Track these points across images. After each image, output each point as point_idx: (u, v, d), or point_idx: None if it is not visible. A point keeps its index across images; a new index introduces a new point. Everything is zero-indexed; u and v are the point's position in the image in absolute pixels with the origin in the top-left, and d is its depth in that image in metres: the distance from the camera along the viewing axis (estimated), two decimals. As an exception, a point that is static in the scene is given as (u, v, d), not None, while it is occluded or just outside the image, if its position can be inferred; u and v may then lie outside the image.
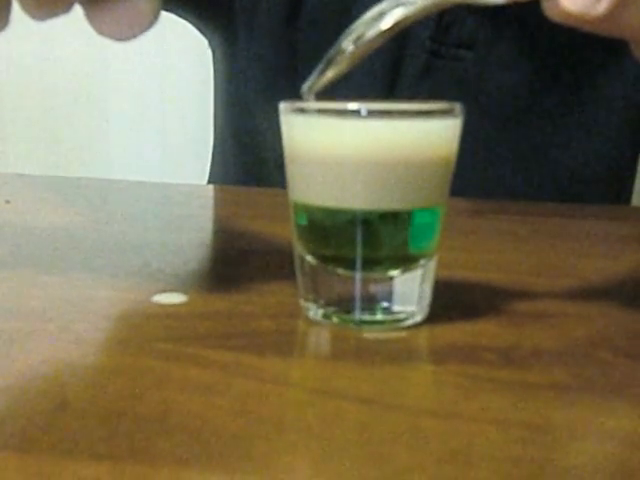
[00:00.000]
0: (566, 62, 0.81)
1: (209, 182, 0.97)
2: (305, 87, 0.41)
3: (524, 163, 0.82)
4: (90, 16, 0.36)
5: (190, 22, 0.92)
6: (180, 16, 0.90)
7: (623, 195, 0.89)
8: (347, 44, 0.39)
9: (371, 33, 0.39)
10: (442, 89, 0.80)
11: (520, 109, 0.81)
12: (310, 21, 0.81)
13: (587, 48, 0.80)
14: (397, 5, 0.39)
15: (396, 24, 0.39)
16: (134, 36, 0.36)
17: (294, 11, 0.82)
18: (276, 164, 0.83)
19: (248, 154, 0.90)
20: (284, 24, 0.82)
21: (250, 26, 0.84)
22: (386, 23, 0.39)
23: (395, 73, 0.81)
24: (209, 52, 0.95)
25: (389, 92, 0.80)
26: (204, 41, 0.95)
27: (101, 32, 0.36)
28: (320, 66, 0.40)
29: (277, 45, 0.83)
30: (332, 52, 0.40)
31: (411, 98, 0.78)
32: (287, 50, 0.82)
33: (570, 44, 0.80)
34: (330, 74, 0.40)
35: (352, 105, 0.38)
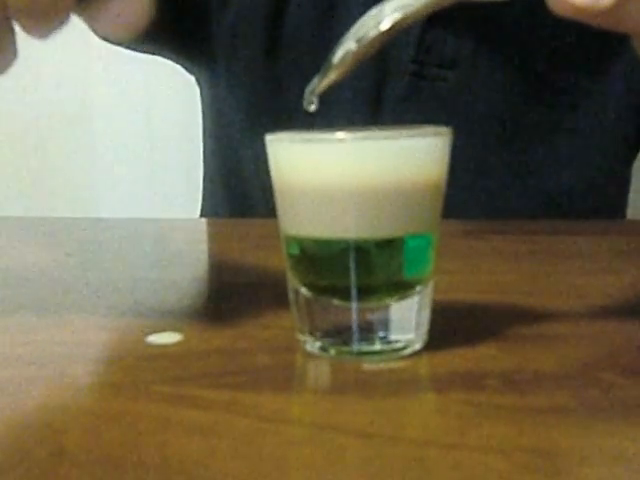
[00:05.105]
0: (550, 78, 0.81)
1: (201, 215, 0.97)
2: (307, 91, 0.41)
3: (512, 179, 0.82)
4: (86, 18, 0.38)
5: (172, 60, 0.93)
6: (163, 56, 0.91)
7: (616, 208, 0.88)
8: (347, 46, 0.39)
9: (370, 34, 0.39)
10: (427, 110, 0.80)
11: (506, 126, 0.81)
12: (289, 52, 0.81)
13: (572, 62, 0.80)
14: (395, 7, 0.39)
15: (394, 25, 0.39)
16: (131, 34, 0.38)
17: (273, 43, 0.82)
18: (261, 195, 0.83)
19: (234, 186, 0.90)
20: (264, 55, 0.82)
21: (230, 59, 0.85)
22: (385, 24, 0.39)
23: (379, 96, 0.81)
24: (196, 85, 0.95)
25: (374, 115, 0.80)
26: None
27: (98, 32, 0.38)
28: (321, 70, 0.40)
29: (258, 76, 0.83)
30: (332, 55, 0.40)
31: (396, 120, 0.78)
32: (268, 81, 0.82)
33: (554, 59, 0.80)
34: (332, 76, 0.40)
35: (338, 132, 0.38)
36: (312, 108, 0.42)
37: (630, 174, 0.88)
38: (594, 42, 0.79)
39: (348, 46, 0.40)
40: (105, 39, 0.42)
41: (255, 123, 0.83)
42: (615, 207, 0.88)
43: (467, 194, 0.80)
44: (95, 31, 0.38)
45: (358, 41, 0.39)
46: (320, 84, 0.41)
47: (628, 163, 0.86)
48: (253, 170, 0.85)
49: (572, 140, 0.81)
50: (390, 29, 0.39)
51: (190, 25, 0.86)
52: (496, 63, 0.80)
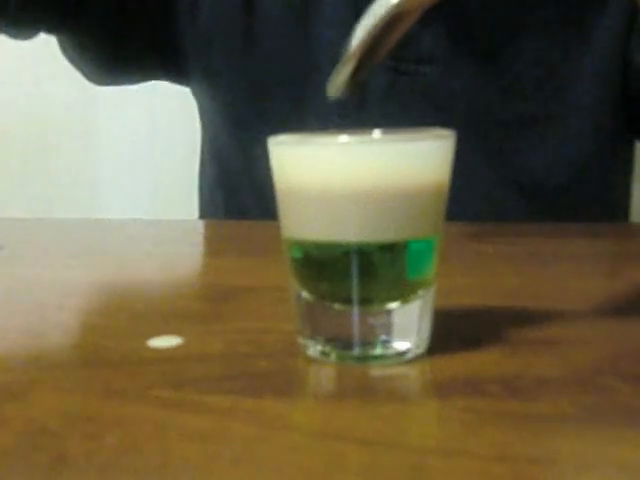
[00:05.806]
0: (528, 69, 0.81)
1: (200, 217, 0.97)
2: (331, 80, 0.40)
3: (493, 171, 0.82)
4: None
5: (158, 79, 0.93)
6: (147, 77, 0.92)
7: (613, 200, 0.88)
8: (364, 28, 0.39)
9: (382, 11, 0.39)
10: (410, 105, 0.80)
11: (486, 119, 0.81)
12: (267, 53, 0.81)
13: (549, 54, 0.80)
14: None
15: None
16: None
17: (249, 47, 0.81)
18: (254, 200, 0.83)
19: (226, 189, 0.90)
20: (240, 60, 0.82)
21: (205, 68, 0.85)
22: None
23: (362, 93, 0.81)
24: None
25: (359, 111, 0.80)
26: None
27: None
28: (341, 59, 0.40)
29: (235, 81, 0.83)
30: (348, 45, 0.39)
31: (380, 115, 0.78)
32: (246, 82, 0.82)
33: (531, 51, 0.80)
34: (352, 63, 0.40)
35: (341, 135, 0.37)
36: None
37: (632, 163, 0.87)
38: (570, 29, 0.79)
39: (363, 30, 0.39)
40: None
41: (239, 126, 0.83)
42: (614, 200, 0.87)
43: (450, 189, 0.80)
44: None
45: (369, 26, 0.39)
46: (342, 72, 0.40)
47: (615, 146, 0.85)
48: (243, 173, 0.85)
49: (554, 127, 0.81)
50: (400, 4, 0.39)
51: (159, 34, 0.86)
52: (472, 58, 0.80)
